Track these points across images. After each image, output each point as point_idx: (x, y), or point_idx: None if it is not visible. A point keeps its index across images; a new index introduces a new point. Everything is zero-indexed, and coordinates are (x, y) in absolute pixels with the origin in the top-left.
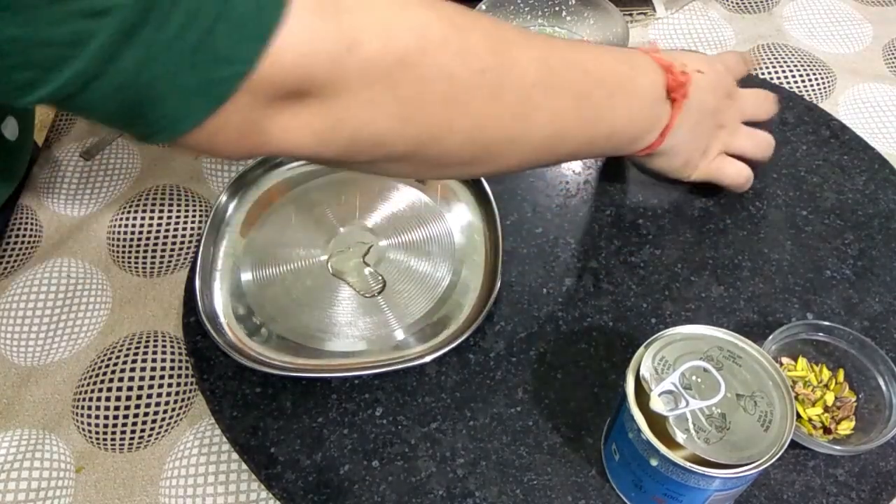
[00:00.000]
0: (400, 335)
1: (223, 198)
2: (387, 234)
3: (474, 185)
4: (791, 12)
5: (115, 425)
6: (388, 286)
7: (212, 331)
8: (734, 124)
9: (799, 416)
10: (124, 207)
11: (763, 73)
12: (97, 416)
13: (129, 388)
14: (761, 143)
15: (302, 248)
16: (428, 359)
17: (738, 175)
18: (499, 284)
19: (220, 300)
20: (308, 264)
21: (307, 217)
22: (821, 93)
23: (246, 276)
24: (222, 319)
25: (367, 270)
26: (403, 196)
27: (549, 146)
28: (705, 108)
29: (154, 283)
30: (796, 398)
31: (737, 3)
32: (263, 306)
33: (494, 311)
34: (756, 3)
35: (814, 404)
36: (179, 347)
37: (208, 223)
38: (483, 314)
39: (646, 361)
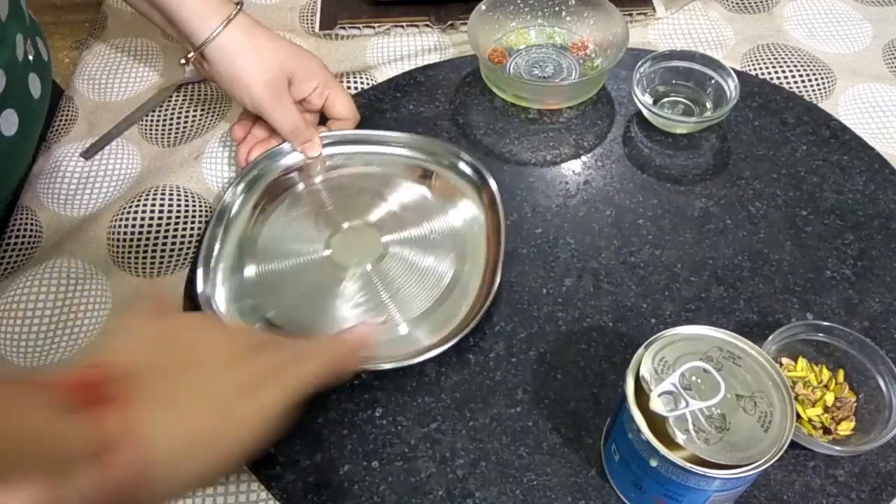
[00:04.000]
0: (403, 329)
1: (228, 193)
2: (390, 230)
3: (479, 183)
4: (791, 12)
5: None
6: (391, 282)
7: None
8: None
9: (799, 417)
10: (124, 207)
11: (763, 73)
12: None
13: None
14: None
15: (306, 243)
16: (430, 354)
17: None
18: (499, 278)
19: (223, 294)
20: (311, 259)
21: (311, 213)
22: (821, 93)
23: (249, 271)
24: (224, 313)
25: (368, 266)
26: (407, 193)
27: None
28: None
29: (154, 283)
30: (796, 398)
31: (737, 3)
32: (267, 301)
33: (494, 311)
34: (756, 3)
35: (814, 405)
36: None
37: (213, 217)
38: (486, 305)
39: (646, 362)
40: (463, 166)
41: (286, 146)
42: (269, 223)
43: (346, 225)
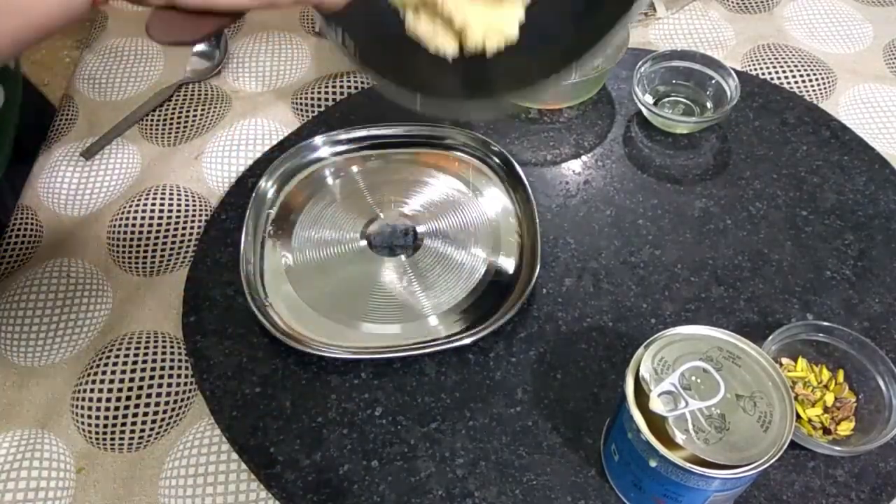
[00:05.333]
0: (434, 321)
1: (263, 182)
2: (425, 222)
3: (510, 177)
4: (791, 12)
5: (114, 425)
6: (424, 274)
7: (259, 314)
8: None
9: (798, 417)
10: (124, 207)
11: (764, 74)
12: (97, 417)
13: (129, 389)
14: None
15: (342, 232)
16: (467, 341)
17: None
18: (538, 271)
19: (267, 282)
20: (347, 249)
21: (347, 203)
22: (821, 93)
23: (286, 259)
24: (269, 300)
25: (402, 257)
26: (442, 184)
27: None
28: None
29: (154, 283)
30: (796, 399)
31: (737, 4)
32: (302, 290)
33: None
34: (756, 3)
35: (813, 405)
36: (179, 347)
37: (250, 205)
38: (523, 298)
39: (645, 362)
40: (494, 159)
41: (318, 139)
42: (304, 214)
43: (382, 215)
